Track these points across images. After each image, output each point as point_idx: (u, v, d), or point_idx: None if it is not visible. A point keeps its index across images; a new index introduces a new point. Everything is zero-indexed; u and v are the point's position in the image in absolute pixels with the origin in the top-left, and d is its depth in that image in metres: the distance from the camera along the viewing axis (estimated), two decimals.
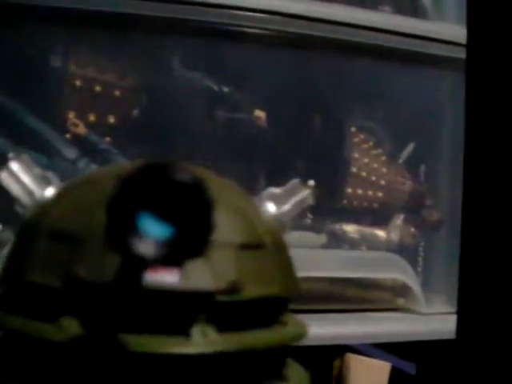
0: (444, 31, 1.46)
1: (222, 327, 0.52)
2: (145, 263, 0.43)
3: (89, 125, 1.39)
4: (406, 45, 1.43)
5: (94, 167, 1.36)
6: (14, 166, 0.61)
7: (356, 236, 1.49)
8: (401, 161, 1.54)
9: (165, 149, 1.39)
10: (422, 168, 1.57)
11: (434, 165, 1.58)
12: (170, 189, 0.41)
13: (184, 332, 0.50)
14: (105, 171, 0.58)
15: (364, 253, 1.50)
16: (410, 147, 1.54)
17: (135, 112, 1.41)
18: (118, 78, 1.40)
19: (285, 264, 0.59)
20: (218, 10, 1.31)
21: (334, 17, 1.36)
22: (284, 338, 0.57)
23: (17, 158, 0.60)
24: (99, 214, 0.48)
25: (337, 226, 1.49)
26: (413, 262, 1.49)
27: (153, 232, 0.41)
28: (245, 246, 0.54)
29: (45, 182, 0.60)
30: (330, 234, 1.47)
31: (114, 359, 0.48)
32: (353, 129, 1.51)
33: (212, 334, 0.51)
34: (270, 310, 0.57)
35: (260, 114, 1.42)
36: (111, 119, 1.40)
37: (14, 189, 0.60)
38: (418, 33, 1.43)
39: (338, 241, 1.48)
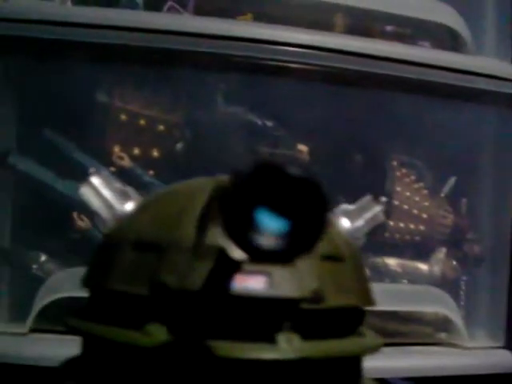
0: (486, 65, 1.46)
1: (305, 335, 0.53)
2: (234, 270, 0.45)
3: (133, 158, 1.41)
4: (446, 79, 1.43)
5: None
6: (95, 180, 0.62)
7: (398, 269, 1.49)
8: (442, 194, 1.54)
9: None
10: (464, 202, 1.56)
11: (476, 199, 1.57)
12: (285, 185, 0.42)
13: (270, 338, 0.51)
14: (186, 184, 0.59)
15: (406, 286, 1.50)
16: (452, 181, 1.53)
17: (179, 146, 1.43)
18: (162, 113, 1.42)
19: (362, 277, 0.60)
20: (260, 45, 1.33)
21: (373, 51, 1.38)
22: (363, 348, 0.58)
23: (97, 173, 0.62)
24: (186, 223, 0.50)
25: (379, 260, 1.49)
26: (455, 296, 1.48)
27: (271, 226, 0.42)
28: (326, 257, 0.56)
29: (124, 196, 0.61)
30: (372, 267, 1.47)
31: (201, 365, 0.49)
32: (395, 163, 1.52)
33: (297, 340, 0.52)
34: (349, 321, 0.58)
35: (302, 148, 1.43)
36: (155, 153, 1.42)
37: (95, 203, 0.61)
38: (460, 67, 1.43)
39: (379, 274, 1.48)
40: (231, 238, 0.43)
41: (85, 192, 0.62)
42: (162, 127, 1.41)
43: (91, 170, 0.61)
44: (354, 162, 1.49)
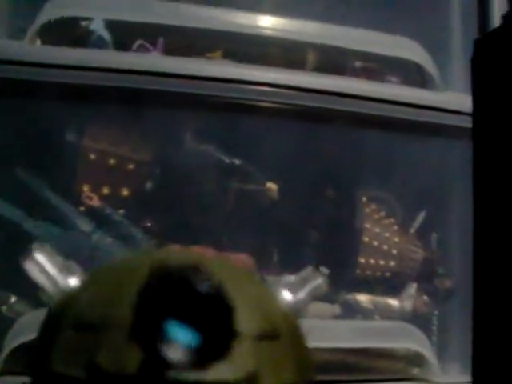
0: (452, 101, 1.48)
1: None
2: (167, 361, 0.45)
3: (103, 197, 1.41)
4: (414, 115, 1.44)
5: (108, 240, 1.38)
6: (38, 255, 0.61)
7: (369, 306, 1.49)
8: (412, 230, 1.55)
9: (177, 221, 1.40)
10: (434, 236, 1.57)
11: (445, 233, 1.58)
12: (193, 297, 0.43)
13: None
14: (124, 262, 0.59)
15: (377, 323, 1.50)
16: (421, 216, 1.54)
17: (148, 185, 1.43)
18: (131, 152, 1.43)
19: (300, 352, 0.60)
20: (230, 85, 1.34)
21: (342, 89, 1.39)
22: None
23: (40, 248, 0.61)
24: (123, 306, 0.49)
25: (350, 296, 1.49)
26: (427, 331, 1.48)
27: (179, 338, 0.42)
28: (262, 337, 0.55)
29: (67, 270, 0.60)
30: (343, 304, 1.47)
31: None
32: (364, 199, 1.53)
33: None
34: None
35: (272, 186, 1.44)
36: (125, 192, 1.42)
37: (39, 278, 0.61)
38: (426, 103, 1.45)
39: (351, 311, 1.48)
40: (141, 347, 0.43)
41: (29, 267, 0.62)
42: (131, 166, 1.41)
43: (34, 245, 0.60)
44: (323, 199, 1.49)
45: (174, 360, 0.41)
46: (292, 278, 0.66)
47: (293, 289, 0.65)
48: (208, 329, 0.43)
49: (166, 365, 0.45)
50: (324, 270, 0.71)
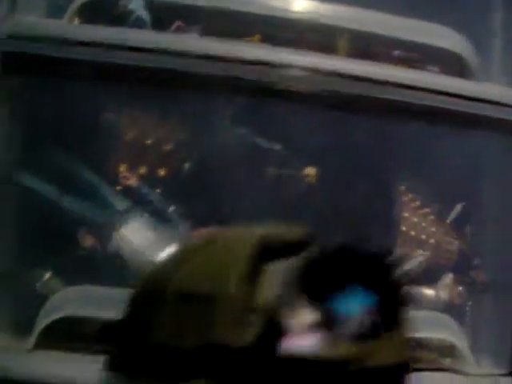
0: (491, 92, 1.46)
1: None
2: (285, 329, 0.44)
3: (139, 177, 1.40)
4: (453, 105, 1.42)
5: (144, 219, 1.37)
6: (132, 226, 0.60)
7: None
8: (448, 221, 1.53)
9: (212, 203, 1.40)
10: (469, 228, 1.55)
11: (481, 225, 1.56)
12: (363, 264, 0.41)
13: None
14: (228, 235, 0.57)
15: (412, 312, 1.48)
16: (458, 207, 1.53)
17: (185, 166, 1.43)
18: (169, 133, 1.42)
19: (406, 331, 0.59)
20: (268, 68, 1.33)
21: (380, 76, 1.37)
22: None
23: (131, 220, 0.60)
24: (236, 278, 0.48)
25: None
26: (461, 322, 1.47)
27: (351, 308, 0.41)
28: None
29: (158, 243, 0.59)
30: None
31: None
32: (402, 188, 1.51)
33: None
34: (393, 379, 0.56)
35: (310, 171, 1.43)
36: (161, 172, 1.41)
37: (130, 248, 0.59)
38: (466, 93, 1.43)
39: None
40: (317, 312, 0.41)
41: (121, 237, 0.61)
42: (168, 147, 1.40)
43: (125, 216, 0.59)
44: (361, 186, 1.48)
45: (347, 331, 0.40)
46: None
47: None
48: (380, 297, 0.41)
49: (281, 331, 0.44)
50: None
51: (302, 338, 0.47)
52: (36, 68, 1.33)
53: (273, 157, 1.41)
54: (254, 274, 0.47)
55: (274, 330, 0.45)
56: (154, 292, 0.53)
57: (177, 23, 1.44)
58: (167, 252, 0.59)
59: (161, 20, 1.43)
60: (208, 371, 0.48)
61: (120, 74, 1.34)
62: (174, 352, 0.49)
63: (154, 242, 0.60)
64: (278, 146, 1.42)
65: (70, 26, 1.34)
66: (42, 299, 1.30)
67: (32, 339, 1.25)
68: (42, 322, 1.25)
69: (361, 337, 0.42)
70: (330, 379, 0.49)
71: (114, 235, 1.32)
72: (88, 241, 1.35)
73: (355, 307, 0.42)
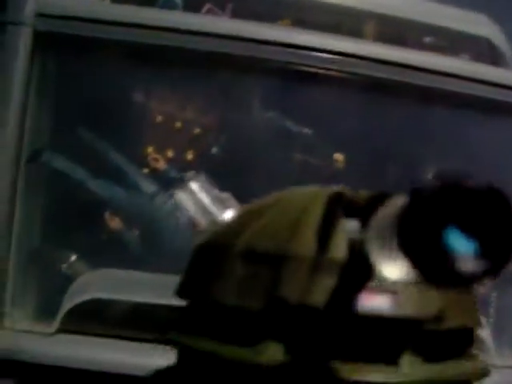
0: None
1: (426, 356, 0.50)
2: (359, 287, 0.42)
3: (167, 160, 1.40)
4: (485, 92, 1.41)
5: (171, 203, 1.37)
6: (193, 185, 0.59)
7: None
8: None
9: (241, 187, 1.38)
10: None
11: None
12: (469, 201, 0.39)
13: (392, 360, 0.49)
14: (295, 193, 0.56)
15: None
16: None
17: (213, 149, 1.42)
18: (198, 116, 1.41)
19: (475, 300, 0.58)
20: (299, 51, 1.32)
21: (411, 61, 1.36)
22: (477, 372, 0.56)
23: (195, 179, 0.59)
24: (304, 234, 0.47)
25: None
26: (484, 313, 1.46)
27: (462, 248, 0.39)
28: None
29: (222, 203, 0.58)
30: None
31: None
32: (429, 175, 1.50)
33: (419, 364, 0.50)
34: (464, 342, 0.55)
35: (338, 157, 1.41)
36: (189, 155, 1.40)
37: (192, 208, 0.58)
38: (498, 80, 1.41)
39: None
40: (417, 262, 0.40)
41: (182, 197, 0.59)
42: (197, 130, 1.39)
43: (189, 174, 0.58)
44: (388, 172, 1.47)
45: (465, 273, 0.38)
46: None
47: None
48: (489, 235, 0.39)
49: (354, 289, 0.43)
50: None
51: (378, 296, 0.46)
52: (67, 47, 1.33)
53: (301, 141, 1.40)
54: (326, 230, 0.45)
55: (348, 288, 0.43)
56: (221, 250, 0.51)
57: (207, 5, 1.43)
58: (231, 211, 0.58)
59: (192, 1, 1.42)
60: (277, 333, 0.47)
61: (150, 54, 1.34)
62: (241, 312, 0.48)
63: (220, 202, 0.58)
64: (306, 131, 1.40)
65: (101, 6, 1.34)
66: (67, 281, 1.29)
67: (56, 322, 1.24)
68: (67, 305, 1.24)
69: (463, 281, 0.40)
70: (406, 340, 0.48)
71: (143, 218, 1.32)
72: (114, 223, 1.34)
73: (461, 246, 0.39)
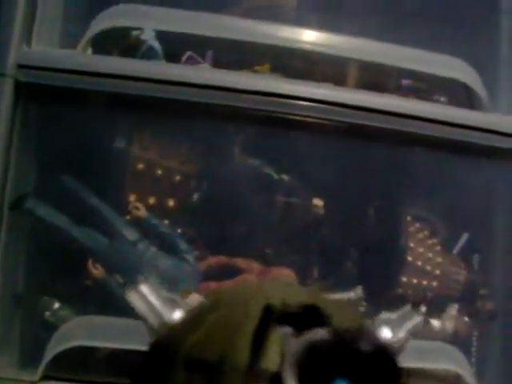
0: (500, 122, 1.46)
1: None
2: None
3: (149, 207, 1.42)
4: (462, 136, 1.43)
5: (153, 249, 1.38)
6: (143, 287, 0.61)
7: None
8: (455, 251, 1.54)
9: (222, 233, 1.40)
10: (476, 258, 1.56)
11: (488, 255, 1.57)
12: (358, 357, 0.42)
13: None
14: (235, 297, 0.57)
15: (418, 342, 1.48)
16: (464, 237, 1.53)
17: (194, 196, 1.44)
18: (179, 163, 1.43)
19: None
20: (278, 100, 1.34)
21: (389, 108, 1.38)
22: None
23: (146, 281, 0.61)
24: (239, 345, 0.48)
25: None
26: (466, 353, 1.47)
27: None
28: None
29: (172, 304, 0.59)
30: None
31: None
32: (409, 218, 1.52)
33: None
34: None
35: (318, 202, 1.43)
36: (171, 203, 1.42)
37: (143, 309, 0.60)
38: (475, 124, 1.43)
39: None
40: None
41: (132, 298, 0.61)
42: (178, 177, 1.42)
43: (139, 277, 0.60)
44: (368, 216, 1.49)
45: None
46: (392, 315, 0.64)
47: (393, 326, 0.63)
48: None
49: None
50: (422, 308, 0.70)
51: None
52: (48, 97, 1.34)
53: (282, 187, 1.42)
54: (260, 340, 0.47)
55: None
56: (167, 355, 0.53)
57: (188, 53, 1.45)
58: (179, 312, 0.59)
59: (172, 50, 1.44)
60: None
61: (132, 103, 1.36)
62: None
63: (169, 303, 0.60)
64: (287, 177, 1.42)
65: (83, 57, 1.36)
66: (50, 329, 1.30)
67: (40, 369, 1.25)
68: (51, 353, 1.25)
69: None
70: None
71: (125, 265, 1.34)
72: (97, 271, 1.36)
73: None
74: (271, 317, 0.47)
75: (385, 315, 0.67)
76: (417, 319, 0.68)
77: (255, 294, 0.55)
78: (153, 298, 0.61)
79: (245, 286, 0.57)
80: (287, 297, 0.49)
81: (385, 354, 0.42)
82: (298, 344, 0.45)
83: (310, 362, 0.43)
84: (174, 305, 0.61)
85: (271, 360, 0.48)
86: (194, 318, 0.56)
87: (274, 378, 0.47)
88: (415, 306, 0.67)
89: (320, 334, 0.44)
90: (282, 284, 0.50)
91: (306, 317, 0.46)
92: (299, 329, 0.46)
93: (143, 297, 0.61)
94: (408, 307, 0.69)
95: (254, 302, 0.52)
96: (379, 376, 0.42)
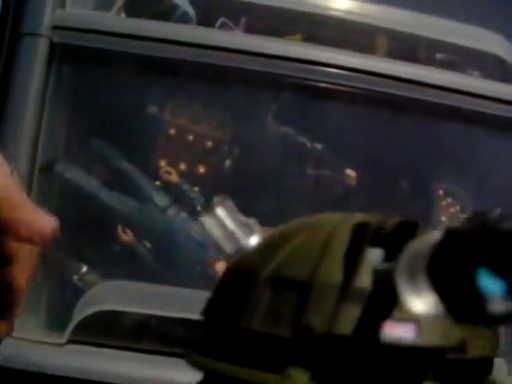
0: None
1: None
2: (383, 316, 0.43)
3: (179, 173, 1.40)
4: (495, 110, 1.41)
5: (182, 215, 1.37)
6: (219, 211, 0.59)
7: None
8: None
9: (252, 201, 1.39)
10: None
11: None
12: (499, 242, 0.40)
13: None
14: (321, 220, 0.56)
15: None
16: (496, 213, 1.51)
17: (226, 163, 1.42)
18: (210, 129, 1.42)
19: (497, 331, 0.58)
20: (312, 67, 1.32)
21: (423, 78, 1.36)
22: None
23: (222, 204, 0.59)
24: (331, 262, 0.47)
25: None
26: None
27: (493, 288, 0.40)
28: None
29: (248, 229, 0.58)
30: None
31: None
32: (440, 192, 1.50)
33: None
34: (483, 371, 0.55)
35: (350, 173, 1.42)
36: (201, 169, 1.41)
37: (218, 234, 0.59)
38: (508, 98, 1.41)
39: None
40: (447, 300, 0.40)
41: (208, 223, 0.59)
42: (210, 143, 1.40)
43: (215, 200, 0.58)
44: (400, 190, 1.48)
45: (496, 313, 0.39)
46: None
47: None
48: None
49: (379, 319, 0.44)
50: None
51: (401, 325, 0.46)
52: (82, 59, 1.34)
53: (314, 156, 1.41)
54: (352, 260, 0.46)
55: (374, 317, 0.44)
56: (248, 276, 0.52)
57: (221, 19, 1.44)
58: (256, 237, 0.58)
59: (206, 16, 1.43)
60: (303, 360, 0.48)
61: (165, 67, 1.35)
62: (268, 339, 0.49)
63: (246, 228, 0.59)
64: (319, 146, 1.41)
65: (116, 19, 1.34)
66: (77, 293, 1.29)
67: (67, 333, 1.24)
68: (77, 317, 1.24)
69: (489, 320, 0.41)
70: (428, 368, 0.48)
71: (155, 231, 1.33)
72: (126, 236, 1.35)
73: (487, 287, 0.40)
74: (364, 234, 0.46)
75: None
76: None
77: (343, 216, 0.54)
78: (229, 222, 0.59)
79: (330, 215, 0.56)
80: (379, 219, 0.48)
81: None
82: (418, 245, 0.43)
83: (438, 260, 0.41)
84: (251, 229, 0.59)
85: (365, 279, 0.47)
86: (275, 241, 0.55)
87: (369, 297, 0.46)
88: None
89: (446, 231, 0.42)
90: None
91: (401, 239, 0.44)
92: (392, 253, 0.45)
93: (219, 220, 0.59)
94: None
95: (343, 222, 0.51)
96: None
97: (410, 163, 1.48)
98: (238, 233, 0.58)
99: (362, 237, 0.45)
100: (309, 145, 1.41)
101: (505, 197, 1.51)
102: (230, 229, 0.59)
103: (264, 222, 1.33)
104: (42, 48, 1.27)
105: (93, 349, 1.28)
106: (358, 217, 0.49)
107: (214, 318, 0.54)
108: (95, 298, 1.29)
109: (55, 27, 1.27)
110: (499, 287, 0.39)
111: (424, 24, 1.48)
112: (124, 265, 1.35)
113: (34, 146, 1.29)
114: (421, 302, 0.42)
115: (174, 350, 1.24)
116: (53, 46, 1.28)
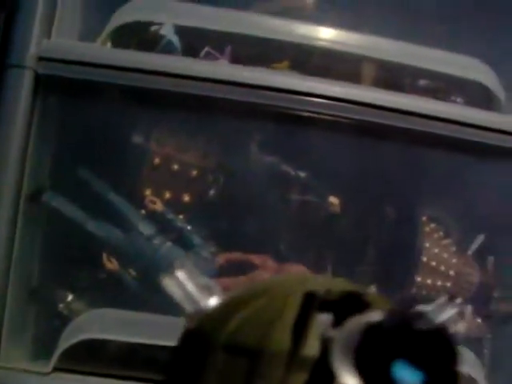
0: None
1: None
2: None
3: (164, 202, 1.42)
4: (478, 137, 1.42)
5: (168, 244, 1.38)
6: (180, 274, 0.60)
7: None
8: (470, 252, 1.53)
9: (237, 229, 1.40)
10: (491, 260, 1.55)
11: (503, 257, 1.56)
12: (416, 337, 0.42)
13: None
14: (275, 285, 0.57)
15: None
16: (480, 239, 1.53)
17: (210, 192, 1.44)
18: (196, 158, 1.43)
19: None
20: (295, 97, 1.34)
21: (405, 106, 1.38)
22: None
23: (182, 267, 0.60)
24: (280, 331, 0.49)
25: None
26: (479, 355, 1.46)
27: (408, 379, 0.41)
28: None
29: (208, 291, 0.59)
30: None
31: None
32: (424, 218, 1.52)
33: None
34: None
35: (333, 200, 1.43)
36: (186, 198, 1.42)
37: (179, 295, 0.60)
38: (492, 125, 1.43)
39: None
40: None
41: (169, 284, 0.61)
42: (194, 172, 1.41)
43: (176, 262, 0.59)
44: (383, 215, 1.49)
45: None
46: (427, 307, 0.64)
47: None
48: (434, 371, 0.42)
49: None
50: (458, 300, 0.70)
51: None
52: (67, 90, 1.35)
53: (298, 184, 1.42)
54: (300, 326, 0.47)
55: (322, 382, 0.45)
56: (205, 339, 0.53)
57: (206, 49, 1.45)
58: (215, 298, 0.59)
59: (191, 45, 1.44)
60: None
61: (150, 97, 1.36)
62: None
63: (205, 290, 0.60)
64: (303, 174, 1.42)
65: (103, 50, 1.36)
66: (63, 321, 1.30)
67: (53, 361, 1.25)
68: (63, 345, 1.25)
69: None
70: None
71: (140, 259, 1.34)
72: (112, 264, 1.36)
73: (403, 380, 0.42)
74: (313, 304, 0.47)
75: (420, 307, 0.67)
76: (451, 311, 0.68)
77: (296, 282, 0.55)
78: (189, 285, 0.61)
79: (285, 276, 0.57)
80: (329, 285, 0.50)
81: (441, 334, 0.42)
82: (351, 327, 0.45)
83: (364, 346, 0.43)
84: (210, 291, 0.60)
85: (312, 347, 0.48)
86: (232, 305, 0.56)
87: (316, 365, 0.47)
88: (451, 298, 0.66)
89: (376, 315, 0.44)
90: (322, 276, 0.50)
91: (348, 304, 0.46)
92: (340, 317, 0.46)
93: (179, 283, 0.61)
94: (443, 299, 0.69)
95: (295, 290, 0.52)
96: (436, 356, 0.42)
97: (394, 190, 1.49)
98: (197, 295, 0.60)
99: (310, 305, 0.47)
100: (292, 172, 1.42)
101: (488, 222, 1.53)
102: (190, 291, 0.60)
103: (248, 249, 1.35)
104: (27, 80, 1.29)
105: (78, 377, 1.28)
106: (311, 283, 0.50)
107: (174, 379, 0.55)
108: (81, 326, 1.30)
109: (41, 58, 1.29)
110: (416, 377, 0.41)
111: (409, 52, 1.49)
112: (110, 293, 1.36)
113: (20, 177, 1.30)
114: (352, 380, 0.44)
115: (160, 377, 1.24)
116: (38, 78, 1.30)
